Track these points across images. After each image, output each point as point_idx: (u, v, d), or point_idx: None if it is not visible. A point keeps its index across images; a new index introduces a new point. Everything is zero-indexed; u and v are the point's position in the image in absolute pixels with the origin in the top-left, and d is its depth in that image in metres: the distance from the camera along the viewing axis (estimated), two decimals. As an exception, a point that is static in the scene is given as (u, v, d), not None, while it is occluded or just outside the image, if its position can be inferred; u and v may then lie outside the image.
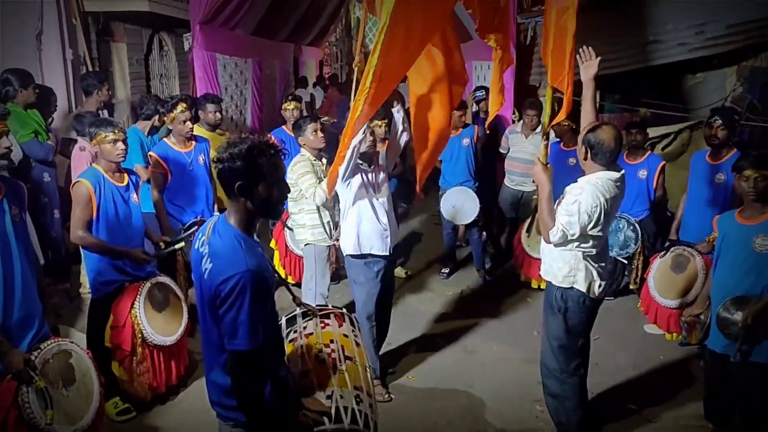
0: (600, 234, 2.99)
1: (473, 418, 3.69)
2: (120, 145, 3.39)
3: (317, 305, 2.62)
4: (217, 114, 5.04)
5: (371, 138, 3.61)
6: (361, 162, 3.67)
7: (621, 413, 3.69)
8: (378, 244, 3.71)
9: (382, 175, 3.77)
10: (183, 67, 7.89)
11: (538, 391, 3.49)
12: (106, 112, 5.34)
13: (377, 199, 3.72)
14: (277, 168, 2.03)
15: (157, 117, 4.71)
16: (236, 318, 1.92)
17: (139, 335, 3.44)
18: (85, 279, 4.58)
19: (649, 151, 5.04)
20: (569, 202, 2.96)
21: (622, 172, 3.07)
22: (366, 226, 3.69)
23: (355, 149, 3.45)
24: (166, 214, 4.28)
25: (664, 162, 4.93)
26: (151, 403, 3.65)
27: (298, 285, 5.28)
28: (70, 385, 2.73)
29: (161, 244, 3.81)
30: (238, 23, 7.57)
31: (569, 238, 2.96)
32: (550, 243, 3.03)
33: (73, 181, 3.44)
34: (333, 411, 2.15)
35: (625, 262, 4.85)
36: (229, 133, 5.50)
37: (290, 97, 5.49)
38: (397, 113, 3.71)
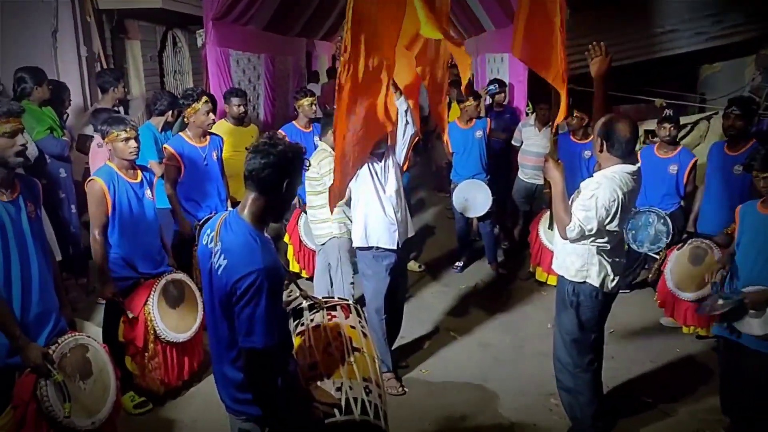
0: (616, 229, 2.94)
1: (487, 411, 3.68)
2: (132, 143, 3.38)
3: (323, 297, 2.63)
4: (242, 107, 5.12)
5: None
6: (370, 156, 3.66)
7: (637, 407, 3.66)
8: (385, 238, 3.71)
9: (391, 170, 3.76)
10: (196, 63, 7.94)
11: (552, 385, 3.47)
12: (122, 108, 5.39)
13: (385, 193, 3.72)
14: (302, 173, 2.12)
15: (171, 112, 4.74)
16: (253, 315, 1.93)
17: (152, 331, 3.47)
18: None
19: (681, 146, 4.88)
20: (586, 197, 2.90)
21: (638, 165, 3.01)
22: (373, 219, 3.70)
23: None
24: (180, 208, 4.30)
25: (696, 158, 4.78)
26: (167, 396, 3.69)
27: (312, 279, 5.31)
28: (87, 378, 2.76)
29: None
30: (250, 19, 7.58)
31: (587, 233, 2.91)
32: (566, 239, 3.00)
33: (87, 179, 3.46)
34: (343, 402, 2.16)
35: (657, 257, 4.73)
36: (254, 127, 5.55)
37: (304, 93, 5.45)
38: (401, 106, 3.68)
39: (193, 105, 4.26)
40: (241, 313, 1.95)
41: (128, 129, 3.36)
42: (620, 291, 5.05)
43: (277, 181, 2.02)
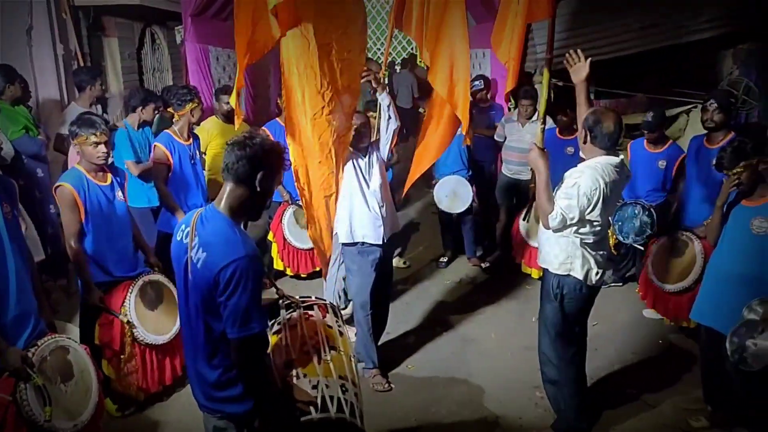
0: (598, 220, 2.97)
1: (473, 406, 3.70)
2: (101, 147, 3.25)
3: (300, 297, 2.62)
4: (231, 105, 5.05)
5: (360, 120, 3.70)
6: (353, 151, 3.67)
7: (620, 398, 3.70)
8: (371, 233, 3.71)
9: (375, 165, 3.76)
10: (176, 60, 7.83)
11: (537, 378, 3.50)
12: (99, 107, 5.31)
13: (369, 188, 3.71)
14: (280, 170, 2.13)
15: (142, 108, 4.64)
16: (244, 303, 1.95)
17: (129, 334, 3.37)
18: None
19: (671, 141, 4.91)
20: (569, 185, 2.95)
21: (621, 157, 3.07)
22: (358, 214, 3.69)
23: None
24: (174, 203, 4.22)
25: (684, 154, 4.84)
26: (152, 398, 3.63)
27: (297, 277, 5.30)
28: (68, 381, 2.71)
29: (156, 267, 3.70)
30: (230, 14, 7.45)
31: (568, 222, 2.94)
32: (549, 228, 3.02)
33: (55, 185, 3.32)
34: (319, 401, 2.17)
35: (642, 248, 4.80)
36: (245, 124, 5.57)
37: None
38: (383, 101, 3.69)
39: (189, 104, 4.26)
40: (227, 304, 1.95)
41: (98, 133, 3.23)
42: (613, 284, 5.18)
43: (250, 172, 2.04)
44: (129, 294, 3.41)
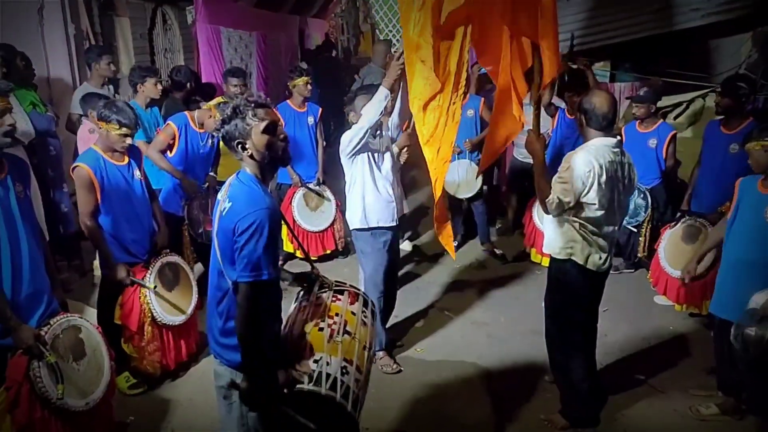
0: (595, 203, 2.93)
1: (481, 389, 3.71)
2: (128, 140, 3.34)
3: (335, 281, 2.63)
4: (239, 88, 5.07)
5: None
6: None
7: (630, 384, 3.69)
8: (385, 216, 3.71)
9: (386, 144, 3.74)
10: (187, 41, 7.80)
11: (546, 363, 3.49)
12: (111, 87, 5.31)
13: (381, 170, 3.70)
14: (263, 117, 2.16)
15: (154, 82, 4.65)
16: (259, 251, 2.06)
17: (149, 315, 3.44)
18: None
19: (661, 120, 4.98)
20: (563, 168, 2.95)
21: (618, 138, 3.06)
22: (371, 198, 3.67)
23: (367, 132, 3.44)
24: (183, 174, 4.29)
25: (675, 131, 4.87)
26: (163, 376, 3.69)
27: (306, 259, 5.30)
28: (80, 359, 2.76)
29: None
30: (241, -5, 7.46)
31: (566, 206, 2.93)
32: (548, 214, 3.02)
33: (72, 165, 3.37)
34: (315, 374, 2.20)
35: (634, 230, 4.83)
36: None
37: (300, 72, 5.30)
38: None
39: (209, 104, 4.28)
40: (242, 250, 2.07)
41: (129, 127, 3.30)
42: (626, 270, 5.15)
43: (243, 138, 2.15)
44: (148, 275, 3.46)
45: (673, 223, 4.46)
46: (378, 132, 3.70)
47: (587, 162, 2.88)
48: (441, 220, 3.38)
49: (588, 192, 2.90)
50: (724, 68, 6.71)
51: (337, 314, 2.42)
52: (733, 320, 3.03)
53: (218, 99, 4.95)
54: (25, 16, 5.30)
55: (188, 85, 5.43)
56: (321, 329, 2.34)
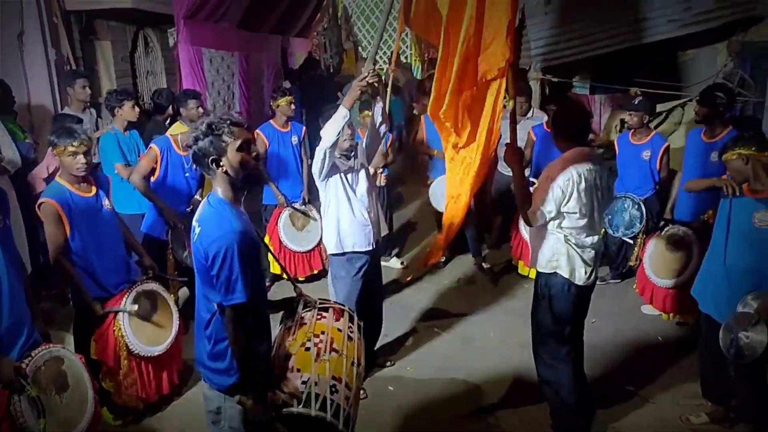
0: (576, 212, 2.96)
1: (472, 405, 3.68)
2: (80, 158, 3.12)
3: (319, 299, 2.63)
4: (198, 109, 4.91)
5: (349, 131, 3.50)
6: (338, 157, 3.57)
7: (620, 395, 3.69)
8: (360, 240, 3.65)
9: (360, 168, 3.68)
10: (169, 63, 7.80)
11: (536, 377, 3.48)
12: (93, 111, 5.28)
13: (355, 193, 3.64)
14: (236, 134, 2.18)
15: (132, 105, 4.60)
16: (230, 275, 2.09)
17: (124, 348, 3.30)
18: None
19: (654, 132, 5.00)
20: (543, 179, 2.99)
21: (593, 148, 3.11)
22: (346, 222, 3.61)
23: (327, 152, 3.38)
24: (164, 203, 4.24)
25: (668, 143, 4.89)
26: (150, 407, 3.59)
27: (295, 280, 5.27)
28: (63, 391, 2.70)
29: (150, 271, 3.65)
30: (222, 16, 7.46)
31: (547, 217, 2.96)
32: (530, 225, 3.05)
33: (38, 201, 3.19)
34: (304, 396, 2.20)
35: (631, 241, 4.84)
36: None
37: (282, 92, 5.31)
38: (377, 105, 3.61)
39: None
40: (219, 275, 2.10)
41: (77, 143, 3.10)
42: (612, 281, 5.18)
43: (217, 155, 2.16)
44: (124, 299, 3.32)
45: (657, 232, 4.49)
46: (352, 154, 3.65)
47: (566, 171, 2.92)
48: (436, 252, 3.47)
49: (568, 201, 2.94)
50: (700, 78, 6.81)
51: (323, 332, 2.42)
52: (717, 319, 3.05)
53: (178, 125, 4.90)
54: (5, 42, 5.28)
55: (170, 107, 5.41)
56: (307, 349, 2.34)
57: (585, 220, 3.00)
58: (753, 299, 3.01)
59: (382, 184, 5.12)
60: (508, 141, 3.14)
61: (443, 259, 5.90)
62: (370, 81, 3.24)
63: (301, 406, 2.19)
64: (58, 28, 5.82)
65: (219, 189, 2.23)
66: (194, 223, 2.23)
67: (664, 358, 4.14)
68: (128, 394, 3.38)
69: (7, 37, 5.30)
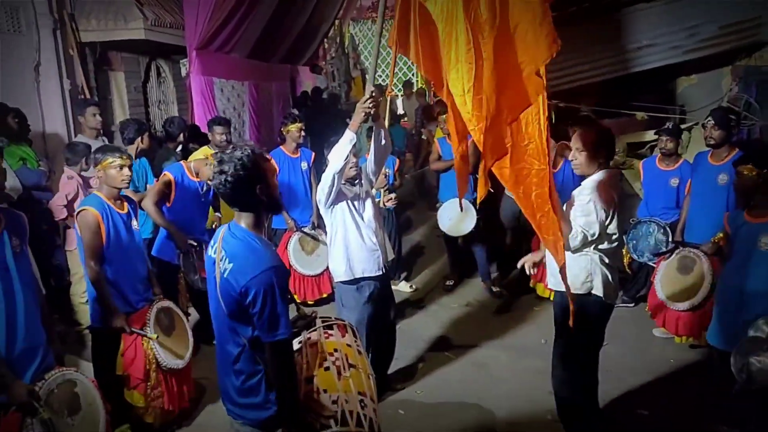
0: (616, 232, 3.01)
1: (484, 430, 3.64)
2: (126, 171, 3.38)
3: (320, 317, 2.63)
4: (224, 136, 5.09)
5: (354, 160, 3.53)
6: (344, 183, 3.56)
7: (632, 420, 3.64)
8: (370, 266, 3.61)
9: (366, 192, 3.68)
10: (181, 92, 7.95)
11: (549, 401, 3.45)
12: (105, 139, 5.38)
13: (363, 218, 3.62)
14: (272, 166, 2.23)
15: (141, 138, 4.73)
16: (273, 311, 2.06)
17: (153, 361, 3.39)
18: (81, 316, 4.59)
19: (683, 159, 4.92)
20: (583, 202, 2.98)
21: (617, 169, 3.12)
22: (355, 249, 3.58)
23: (336, 177, 3.36)
24: (175, 229, 4.28)
25: None
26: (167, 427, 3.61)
27: (304, 304, 5.29)
28: (75, 414, 2.71)
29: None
30: (233, 47, 7.63)
31: (590, 238, 2.96)
32: (567, 250, 3.01)
33: (77, 210, 3.39)
34: (339, 415, 2.21)
35: (655, 265, 4.77)
36: None
37: (293, 119, 5.40)
38: (379, 128, 3.57)
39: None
40: (261, 314, 2.05)
41: (123, 157, 3.39)
42: (623, 304, 5.14)
43: (255, 187, 2.12)
44: (148, 321, 3.44)
45: (667, 255, 4.48)
46: (357, 180, 3.67)
47: (607, 192, 2.95)
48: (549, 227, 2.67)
49: (610, 222, 2.96)
50: (704, 102, 6.87)
51: (335, 350, 2.43)
52: (727, 348, 3.03)
53: (205, 149, 5.03)
54: (23, 73, 5.42)
55: (181, 135, 5.51)
56: (327, 368, 2.35)
57: (618, 241, 3.05)
58: (765, 324, 2.99)
59: (388, 206, 5.14)
60: None
61: (452, 282, 5.90)
62: (372, 104, 3.25)
63: (339, 425, 2.20)
64: (74, 59, 5.97)
65: (245, 219, 2.17)
66: (218, 255, 2.15)
67: (676, 382, 4.09)
68: (154, 407, 3.45)
69: (24, 68, 5.45)
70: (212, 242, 2.26)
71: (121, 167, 3.37)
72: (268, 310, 2.04)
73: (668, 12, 6.84)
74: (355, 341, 2.56)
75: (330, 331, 2.54)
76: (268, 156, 2.24)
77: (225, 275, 2.10)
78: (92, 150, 4.70)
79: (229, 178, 2.09)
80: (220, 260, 2.13)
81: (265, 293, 2.03)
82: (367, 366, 2.48)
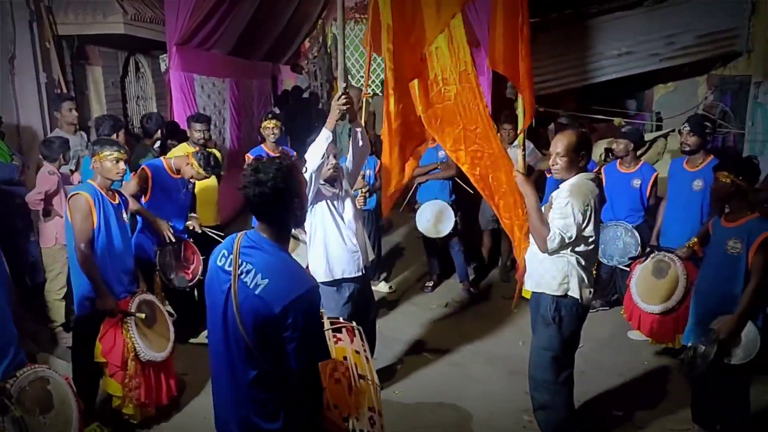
0: (592, 235, 3.04)
1: (461, 431, 3.66)
2: (122, 165, 3.43)
3: (328, 318, 2.59)
4: (203, 133, 5.02)
5: (333, 161, 3.53)
6: (323, 183, 3.57)
7: (608, 421, 3.69)
8: (350, 267, 3.61)
9: (345, 193, 3.68)
10: (160, 88, 7.85)
11: (525, 402, 3.48)
12: (84, 134, 5.29)
13: (343, 219, 3.62)
14: (305, 179, 2.17)
15: (116, 134, 4.64)
16: (315, 333, 1.94)
17: (132, 350, 3.38)
18: (56, 314, 4.51)
19: (642, 161, 5.05)
20: (561, 204, 3.01)
21: (595, 171, 3.17)
22: (335, 250, 3.58)
23: (313, 176, 3.36)
24: (154, 216, 4.23)
25: (657, 172, 4.95)
26: (147, 423, 3.56)
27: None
28: (47, 412, 2.66)
29: None
30: (214, 44, 7.56)
31: (567, 241, 2.99)
32: (545, 251, 3.06)
33: (69, 194, 3.39)
34: None
35: (627, 269, 4.84)
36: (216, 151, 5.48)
37: (269, 116, 5.41)
38: (357, 129, 3.62)
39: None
40: (301, 338, 1.87)
41: (121, 151, 3.45)
42: (601, 308, 5.20)
43: (292, 199, 2.00)
44: (129, 309, 3.44)
45: (643, 259, 4.55)
46: (336, 182, 3.66)
47: (584, 195, 2.98)
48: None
49: (587, 225, 3.00)
50: (680, 110, 7.01)
51: (344, 357, 2.39)
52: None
53: (184, 146, 4.97)
54: (-4, 66, 5.30)
55: (158, 131, 5.44)
56: (337, 381, 2.28)
57: (594, 245, 3.09)
58: (721, 320, 3.14)
59: (364, 206, 5.14)
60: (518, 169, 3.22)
61: (431, 283, 5.92)
62: (346, 100, 3.29)
63: None
64: (50, 52, 5.85)
65: (271, 232, 2.00)
66: (238, 266, 1.95)
67: (651, 383, 4.16)
68: (131, 397, 3.41)
69: (-2, 61, 5.33)
70: (221, 251, 2.05)
71: (117, 161, 3.41)
72: (308, 333, 1.88)
73: (647, 20, 6.97)
74: (362, 346, 2.52)
75: (339, 335, 2.49)
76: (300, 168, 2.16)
77: (257, 292, 1.88)
78: (70, 145, 4.66)
79: (266, 190, 1.91)
80: (243, 273, 1.93)
81: (306, 316, 1.86)
82: (374, 375, 2.44)
